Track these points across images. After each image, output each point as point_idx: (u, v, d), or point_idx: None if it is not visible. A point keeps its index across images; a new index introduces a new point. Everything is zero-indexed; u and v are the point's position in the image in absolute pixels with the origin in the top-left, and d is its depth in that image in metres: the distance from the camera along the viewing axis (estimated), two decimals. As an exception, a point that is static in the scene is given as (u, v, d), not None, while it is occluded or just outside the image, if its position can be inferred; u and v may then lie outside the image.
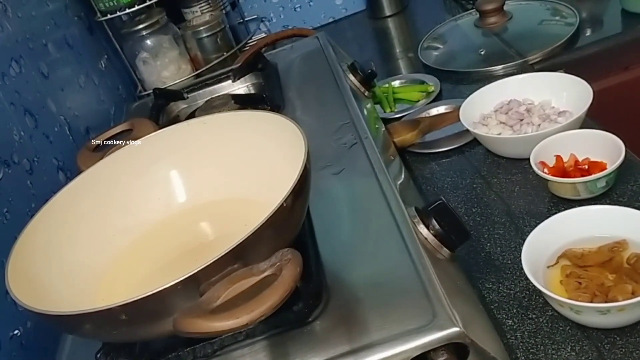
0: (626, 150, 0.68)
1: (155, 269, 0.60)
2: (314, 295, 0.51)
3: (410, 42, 1.32)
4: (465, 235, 0.57)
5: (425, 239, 0.55)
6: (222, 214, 0.64)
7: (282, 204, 0.46)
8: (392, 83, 1.12)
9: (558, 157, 0.73)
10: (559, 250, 0.63)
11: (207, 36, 1.22)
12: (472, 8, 1.24)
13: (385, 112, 1.05)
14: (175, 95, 0.99)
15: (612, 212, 0.62)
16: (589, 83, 0.79)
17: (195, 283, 0.43)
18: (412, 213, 0.57)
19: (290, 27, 1.50)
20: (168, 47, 1.19)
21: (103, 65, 1.16)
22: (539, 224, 0.63)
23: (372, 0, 1.48)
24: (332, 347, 0.46)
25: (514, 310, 0.61)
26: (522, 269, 0.58)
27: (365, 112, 0.80)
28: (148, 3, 1.12)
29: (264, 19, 1.54)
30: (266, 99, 0.83)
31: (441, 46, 1.22)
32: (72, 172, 0.80)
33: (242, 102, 0.86)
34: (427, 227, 0.55)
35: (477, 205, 0.76)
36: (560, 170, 0.72)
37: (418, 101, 1.05)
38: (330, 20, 1.56)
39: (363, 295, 0.50)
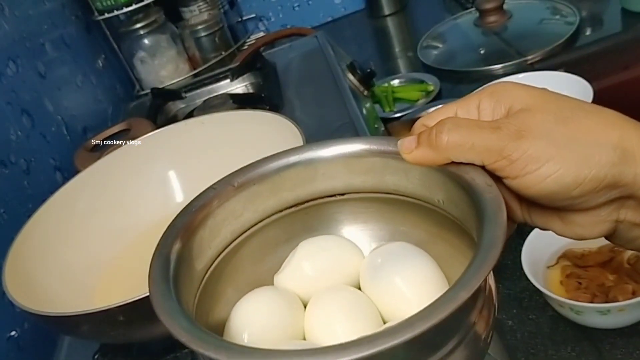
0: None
1: (153, 269, 0.60)
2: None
3: (410, 41, 1.32)
4: None
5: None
6: (220, 214, 0.63)
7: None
8: (392, 82, 1.12)
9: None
10: (559, 250, 0.63)
11: (206, 35, 1.22)
12: (472, 7, 1.24)
13: (384, 111, 1.05)
14: (173, 94, 0.99)
15: None
16: (589, 82, 0.79)
17: (193, 284, 0.43)
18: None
19: (289, 26, 1.50)
20: (166, 46, 1.19)
21: (100, 64, 1.15)
22: (539, 224, 0.63)
23: (371, -1, 1.48)
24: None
25: (514, 311, 0.60)
26: (522, 269, 0.58)
27: (365, 111, 0.80)
28: (146, 2, 1.12)
29: (262, 18, 1.54)
30: (265, 98, 0.83)
31: (441, 45, 1.22)
32: (69, 172, 0.79)
33: (241, 102, 0.85)
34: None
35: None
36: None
37: (417, 100, 1.04)
38: (329, 19, 1.55)
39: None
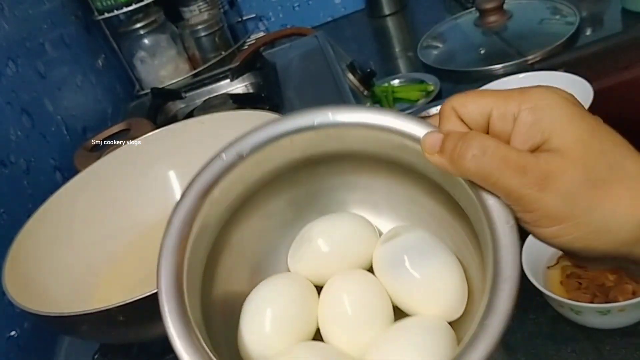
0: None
1: (152, 269, 0.60)
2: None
3: (410, 41, 1.32)
4: None
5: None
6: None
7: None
8: (392, 82, 1.12)
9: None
10: (559, 250, 0.62)
11: (205, 35, 1.22)
12: (472, 7, 1.24)
13: (384, 111, 1.05)
14: (173, 94, 0.99)
15: None
16: (589, 82, 0.79)
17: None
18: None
19: (289, 26, 1.50)
20: (166, 46, 1.19)
21: (100, 64, 1.15)
22: (539, 224, 0.63)
23: (371, -1, 1.48)
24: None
25: (514, 311, 0.60)
26: (522, 269, 0.58)
27: (365, 111, 0.80)
28: (146, 2, 1.12)
29: (262, 18, 1.54)
30: (264, 98, 0.83)
31: (441, 45, 1.22)
32: (69, 172, 0.79)
33: (241, 102, 0.85)
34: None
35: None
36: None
37: (417, 100, 1.04)
38: (329, 19, 1.55)
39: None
